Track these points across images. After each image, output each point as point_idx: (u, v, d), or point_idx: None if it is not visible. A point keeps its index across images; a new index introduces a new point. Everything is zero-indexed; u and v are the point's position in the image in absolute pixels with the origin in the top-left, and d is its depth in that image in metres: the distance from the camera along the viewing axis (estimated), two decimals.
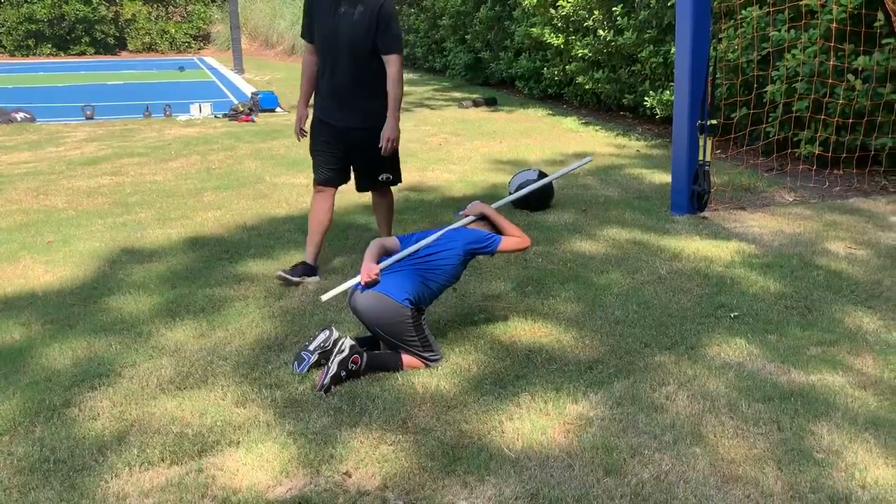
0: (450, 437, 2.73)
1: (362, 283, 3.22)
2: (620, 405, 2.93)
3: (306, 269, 4.30)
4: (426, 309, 3.38)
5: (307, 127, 4.42)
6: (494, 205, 3.64)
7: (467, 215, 3.55)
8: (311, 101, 4.39)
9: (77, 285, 4.32)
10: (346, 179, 4.45)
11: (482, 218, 3.52)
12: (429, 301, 3.35)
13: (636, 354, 3.35)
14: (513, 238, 3.46)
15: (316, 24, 4.22)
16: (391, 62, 4.12)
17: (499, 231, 3.48)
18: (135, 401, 3.03)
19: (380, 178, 4.40)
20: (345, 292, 3.39)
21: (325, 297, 3.43)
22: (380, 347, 3.32)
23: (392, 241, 3.42)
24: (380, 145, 4.19)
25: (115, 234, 5.31)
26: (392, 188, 4.57)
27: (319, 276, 4.33)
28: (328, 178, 4.36)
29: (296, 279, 4.20)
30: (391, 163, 4.38)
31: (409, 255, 3.32)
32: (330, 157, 4.32)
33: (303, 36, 4.36)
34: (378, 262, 3.28)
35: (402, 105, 4.35)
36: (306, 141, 4.45)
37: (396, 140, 4.24)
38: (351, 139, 4.26)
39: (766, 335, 3.53)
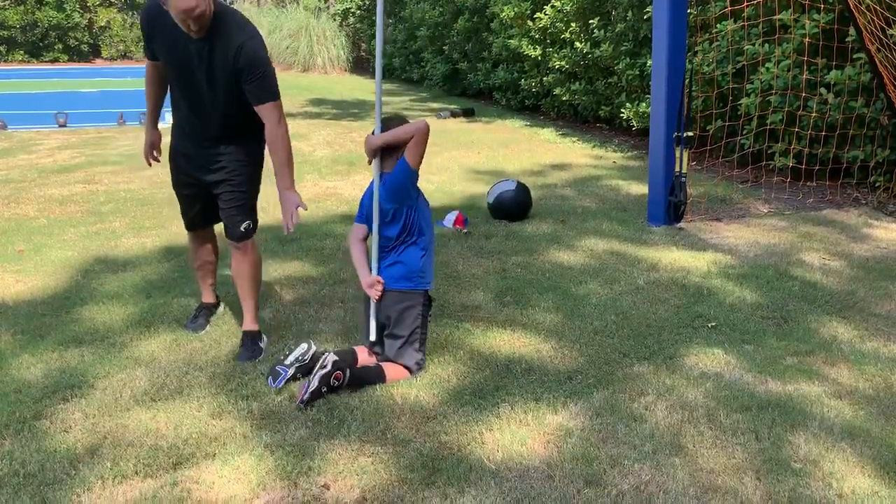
0: (429, 449, 2.71)
1: (375, 300, 3.23)
2: (600, 415, 2.93)
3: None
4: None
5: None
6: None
7: (371, 158, 3.23)
8: None
9: (49, 295, 4.24)
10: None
11: (385, 152, 3.19)
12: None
13: (615, 365, 3.36)
14: (411, 145, 3.10)
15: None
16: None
17: (402, 145, 3.13)
18: (108, 413, 2.97)
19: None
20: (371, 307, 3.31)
21: (372, 338, 3.31)
22: (358, 361, 3.29)
23: (361, 230, 3.34)
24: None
25: (88, 242, 5.23)
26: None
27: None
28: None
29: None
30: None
31: (384, 238, 3.25)
32: None
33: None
34: (369, 265, 3.27)
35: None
36: None
37: None
38: None
39: (744, 345, 3.55)
